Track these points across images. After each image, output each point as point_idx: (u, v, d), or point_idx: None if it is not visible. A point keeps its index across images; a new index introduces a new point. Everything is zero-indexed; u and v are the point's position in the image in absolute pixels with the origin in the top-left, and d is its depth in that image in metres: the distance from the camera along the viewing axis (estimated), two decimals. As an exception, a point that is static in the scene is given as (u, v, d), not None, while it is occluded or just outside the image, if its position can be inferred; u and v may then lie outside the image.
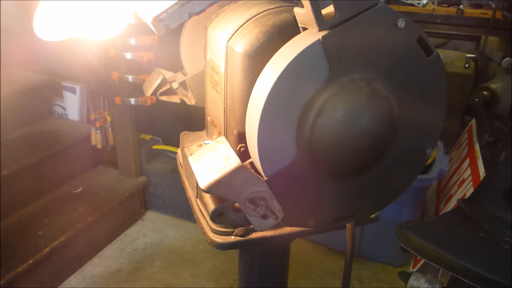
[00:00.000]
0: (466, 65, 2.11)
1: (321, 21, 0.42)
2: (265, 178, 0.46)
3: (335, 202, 0.50)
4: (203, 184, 0.45)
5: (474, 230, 1.03)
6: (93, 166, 2.27)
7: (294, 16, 0.48)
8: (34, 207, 1.91)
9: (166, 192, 2.20)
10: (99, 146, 2.15)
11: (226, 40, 0.54)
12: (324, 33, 0.42)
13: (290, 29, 0.49)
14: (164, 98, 0.84)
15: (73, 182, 2.11)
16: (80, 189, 2.07)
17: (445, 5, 2.08)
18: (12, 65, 2.20)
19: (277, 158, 0.45)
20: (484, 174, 1.50)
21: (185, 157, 0.66)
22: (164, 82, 0.84)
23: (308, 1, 0.41)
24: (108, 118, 2.10)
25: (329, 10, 0.43)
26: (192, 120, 0.79)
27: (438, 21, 2.06)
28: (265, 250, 0.68)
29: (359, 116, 0.44)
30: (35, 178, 1.94)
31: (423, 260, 1.29)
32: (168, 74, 0.85)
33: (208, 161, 0.48)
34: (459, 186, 1.69)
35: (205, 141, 0.65)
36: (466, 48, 2.34)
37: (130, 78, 1.83)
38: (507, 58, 1.80)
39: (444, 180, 1.95)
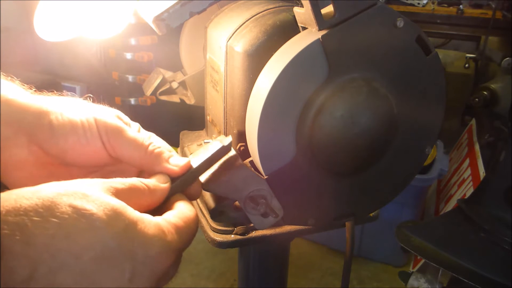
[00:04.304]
0: (466, 65, 2.11)
1: (320, 21, 0.42)
2: (265, 177, 0.46)
3: (334, 200, 0.50)
4: (203, 183, 0.45)
5: (474, 230, 1.03)
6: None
7: (294, 16, 0.48)
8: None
9: (166, 192, 2.19)
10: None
11: (226, 39, 0.54)
12: (323, 32, 0.42)
13: (290, 29, 0.49)
14: (163, 97, 0.84)
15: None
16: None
17: (445, 5, 2.08)
18: (12, 65, 2.20)
19: (277, 157, 0.45)
20: (484, 174, 1.50)
21: (185, 156, 0.66)
22: (164, 81, 0.84)
23: (307, 1, 0.41)
24: (108, 118, 2.10)
25: (328, 9, 0.43)
26: (192, 119, 0.80)
27: (438, 21, 2.05)
28: (265, 250, 0.68)
29: (359, 115, 0.45)
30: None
31: (423, 260, 1.29)
32: (168, 74, 0.85)
33: (208, 160, 0.48)
34: (459, 186, 1.69)
35: (205, 140, 0.65)
36: (466, 48, 2.33)
37: (130, 78, 1.83)
38: (507, 58, 1.80)
39: (444, 180, 1.95)
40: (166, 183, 0.39)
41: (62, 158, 0.39)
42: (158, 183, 0.38)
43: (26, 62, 2.24)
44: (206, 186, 0.45)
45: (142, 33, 1.74)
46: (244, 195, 0.46)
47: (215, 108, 0.63)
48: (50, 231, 0.27)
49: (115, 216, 0.30)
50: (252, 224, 0.49)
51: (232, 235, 0.54)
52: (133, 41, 1.75)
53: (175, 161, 0.41)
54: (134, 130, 0.42)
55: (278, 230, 0.56)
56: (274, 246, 0.68)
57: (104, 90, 2.09)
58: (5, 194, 0.27)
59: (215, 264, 1.90)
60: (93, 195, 0.30)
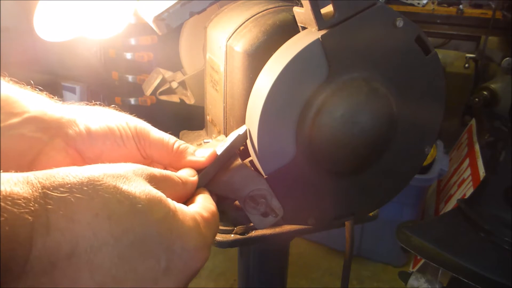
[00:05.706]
0: (466, 65, 2.11)
1: (320, 21, 0.42)
2: (265, 176, 0.46)
3: (334, 200, 0.50)
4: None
5: (474, 230, 1.03)
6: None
7: (294, 16, 0.48)
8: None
9: (166, 192, 2.20)
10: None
11: (225, 39, 0.54)
12: (323, 32, 0.42)
13: (290, 29, 0.49)
14: (163, 97, 0.84)
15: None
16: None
17: (445, 5, 2.08)
18: (12, 65, 2.20)
19: (277, 157, 0.45)
20: (484, 174, 1.50)
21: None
22: (163, 81, 0.84)
23: (307, 1, 0.42)
24: (108, 118, 2.10)
25: (328, 9, 0.43)
26: (192, 119, 0.80)
27: (438, 21, 2.06)
28: (265, 250, 0.68)
29: (358, 114, 0.45)
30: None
31: (423, 260, 1.29)
32: (168, 74, 0.85)
33: (208, 159, 0.48)
34: (459, 186, 1.69)
35: (205, 140, 0.65)
36: (466, 48, 2.33)
37: (130, 78, 1.83)
38: (507, 58, 1.80)
39: (444, 180, 1.95)
40: (194, 176, 0.41)
41: (97, 161, 0.41)
42: (188, 176, 0.40)
43: (26, 62, 2.24)
44: (207, 186, 0.45)
45: (142, 33, 1.74)
46: (244, 195, 0.46)
47: (215, 108, 0.63)
48: (94, 210, 0.27)
49: (157, 202, 0.31)
50: (252, 224, 0.49)
51: (232, 235, 0.54)
52: (133, 41, 1.75)
53: (201, 152, 0.43)
54: (160, 132, 0.45)
55: (278, 230, 0.56)
56: (274, 246, 0.68)
57: (104, 90, 2.09)
58: (54, 171, 0.28)
59: (215, 264, 1.90)
60: (135, 181, 0.31)
